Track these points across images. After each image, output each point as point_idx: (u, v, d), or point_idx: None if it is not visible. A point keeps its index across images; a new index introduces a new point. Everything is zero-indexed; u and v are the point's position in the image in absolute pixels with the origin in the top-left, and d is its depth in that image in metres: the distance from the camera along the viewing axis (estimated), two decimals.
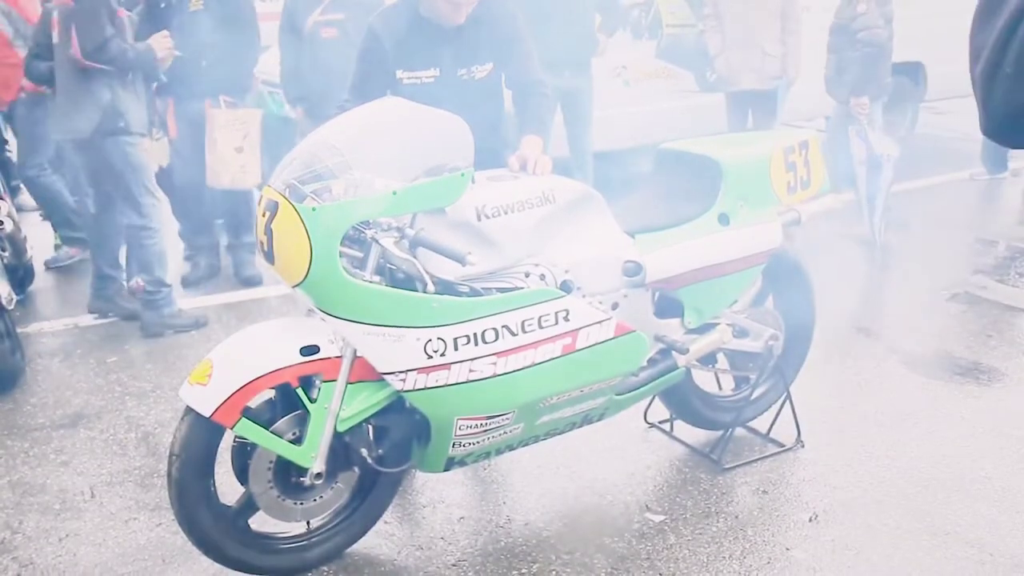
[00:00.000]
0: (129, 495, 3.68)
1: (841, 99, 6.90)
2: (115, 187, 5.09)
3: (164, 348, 5.15)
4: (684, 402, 3.86)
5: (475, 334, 2.88)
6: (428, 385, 2.85)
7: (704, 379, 4.04)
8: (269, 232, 2.78)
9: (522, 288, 3.03)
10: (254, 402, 2.87)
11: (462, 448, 3.06)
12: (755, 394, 3.98)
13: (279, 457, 2.93)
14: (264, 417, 2.91)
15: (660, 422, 4.15)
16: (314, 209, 2.68)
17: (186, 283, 6.12)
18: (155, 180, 5.86)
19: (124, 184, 5.06)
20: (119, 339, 5.22)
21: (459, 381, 2.88)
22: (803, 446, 3.94)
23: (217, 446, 2.90)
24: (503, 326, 2.93)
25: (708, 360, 3.83)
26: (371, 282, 2.76)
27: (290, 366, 2.84)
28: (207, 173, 5.81)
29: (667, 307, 3.52)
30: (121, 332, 5.33)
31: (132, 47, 4.96)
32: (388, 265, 2.83)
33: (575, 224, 3.18)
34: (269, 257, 2.82)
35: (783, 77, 6.85)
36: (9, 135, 7.12)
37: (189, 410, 2.85)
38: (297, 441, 2.92)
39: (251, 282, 6.11)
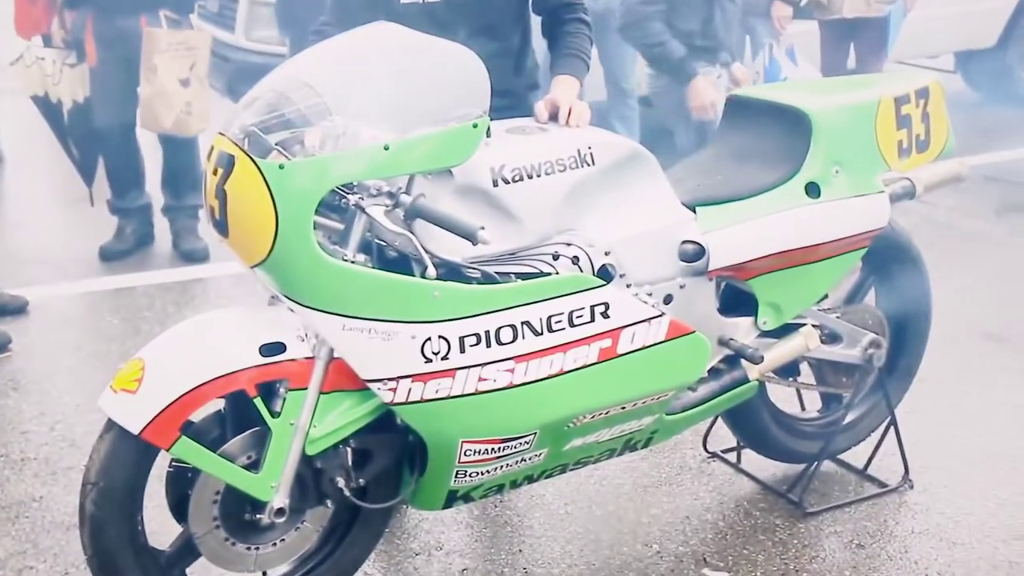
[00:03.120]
0: (24, 536, 3.69)
1: None
2: None
3: (77, 339, 5.18)
4: (756, 426, 3.88)
5: (487, 332, 2.90)
6: (425, 397, 2.88)
7: (782, 396, 4.06)
8: (221, 195, 2.79)
9: (549, 274, 3.06)
10: (198, 415, 2.88)
11: (468, 479, 3.09)
12: (849, 417, 4.00)
13: (228, 487, 2.94)
14: (210, 435, 2.93)
15: (724, 451, 4.17)
16: (281, 166, 2.69)
17: (106, 256, 6.14)
18: (67, 119, 5.88)
19: None
20: (19, 323, 5.26)
21: (466, 392, 2.91)
22: (911, 487, 3.97)
23: (147, 472, 2.90)
24: (524, 323, 2.95)
25: (788, 372, 3.85)
26: (354, 262, 2.78)
27: (246, 369, 2.85)
28: (141, 112, 5.82)
29: (736, 302, 3.54)
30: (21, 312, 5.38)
31: None
32: (377, 241, 2.85)
33: (619, 193, 3.20)
34: (221, 227, 2.84)
35: (896, 0, 6.83)
36: None
37: (111, 424, 2.85)
38: (253, 467, 2.94)
39: (195, 256, 6.13)
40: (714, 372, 3.55)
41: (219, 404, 2.96)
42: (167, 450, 2.84)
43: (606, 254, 3.17)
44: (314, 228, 2.73)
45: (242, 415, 2.94)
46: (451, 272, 2.93)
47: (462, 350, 2.88)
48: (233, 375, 2.84)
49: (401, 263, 2.90)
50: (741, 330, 3.55)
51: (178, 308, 5.50)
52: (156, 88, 5.72)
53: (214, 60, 6.34)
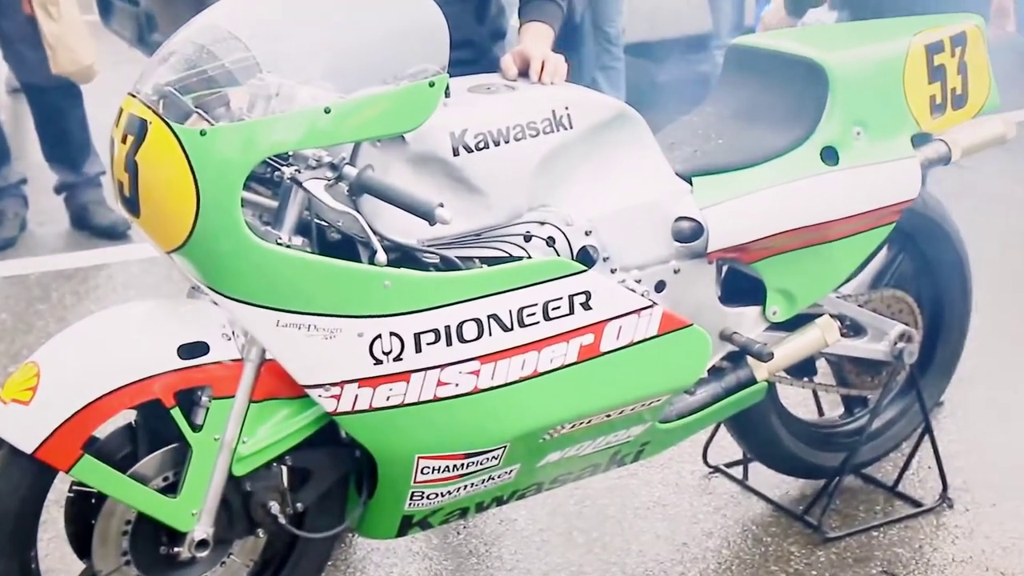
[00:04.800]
0: None
1: None
2: None
3: None
4: (765, 435, 3.91)
5: (448, 328, 2.92)
6: (375, 405, 2.89)
7: (797, 400, 4.09)
8: (132, 167, 2.78)
9: (520, 258, 3.08)
10: (103, 430, 2.89)
11: (425, 502, 3.11)
12: (876, 424, 4.02)
13: (141, 515, 2.94)
14: (119, 454, 2.93)
15: (728, 465, 4.21)
16: (203, 132, 2.69)
17: None
18: None
19: None
20: None
21: (422, 399, 2.93)
22: (951, 506, 4.00)
23: (43, 499, 2.90)
24: (490, 316, 2.97)
25: (803, 371, 3.89)
26: (290, 246, 2.80)
27: (162, 374, 2.84)
28: (53, 55, 5.77)
29: (740, 289, 3.57)
30: None
31: None
32: (316, 221, 2.87)
33: (602, 161, 3.23)
34: (131, 205, 2.84)
35: None
36: None
37: (0, 442, 2.86)
38: (170, 490, 2.94)
39: (114, 232, 6.11)
40: (715, 372, 3.58)
41: (129, 416, 2.96)
42: (67, 472, 2.83)
43: (587, 234, 3.20)
44: (242, 206, 2.74)
45: (157, 429, 2.94)
46: (405, 257, 2.95)
47: (418, 349, 2.90)
48: (146, 382, 2.84)
49: (345, 247, 2.92)
50: (747, 322, 3.58)
51: (79, 300, 5.50)
52: (66, 23, 5.71)
53: (121, 4, 6.31)
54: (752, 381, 3.60)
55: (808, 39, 4.01)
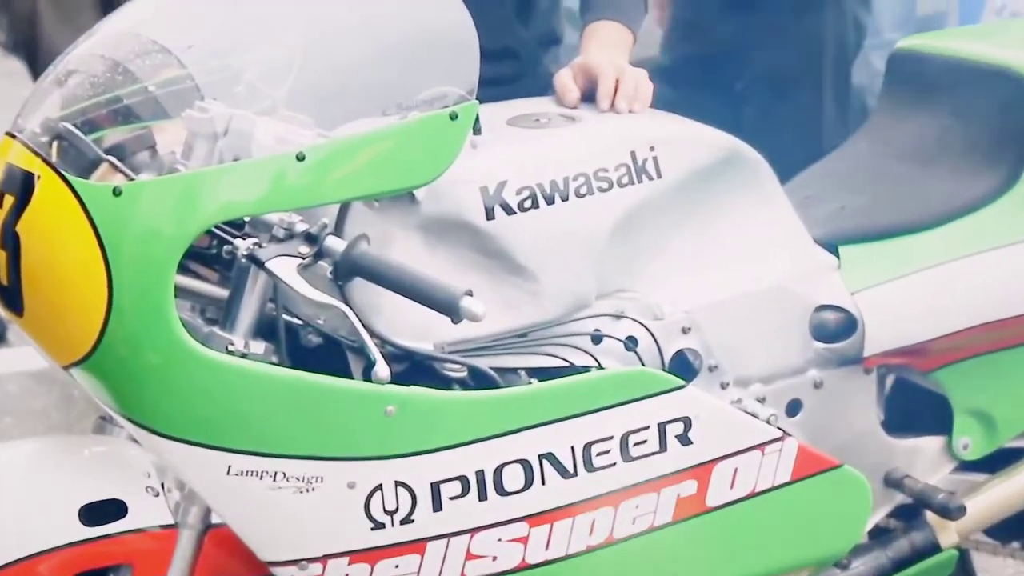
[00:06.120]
0: None
1: None
2: None
3: None
4: None
5: (480, 475, 2.92)
6: None
7: (1002, 574, 4.08)
8: (11, 242, 2.77)
9: (587, 369, 3.09)
10: None
11: None
12: None
13: None
14: None
15: None
16: (118, 191, 2.67)
17: None
18: None
19: None
20: None
21: None
22: None
23: None
24: (543, 457, 2.97)
25: (1012, 532, 3.86)
26: (247, 355, 2.79)
27: (56, 550, 2.86)
28: None
29: (914, 411, 3.58)
30: None
31: None
32: (286, 318, 2.87)
33: (704, 226, 3.26)
34: (10, 297, 2.82)
35: None
36: None
37: None
38: None
39: None
40: (879, 534, 3.58)
41: None
42: None
43: (684, 332, 3.21)
44: (176, 296, 2.72)
45: None
46: (416, 370, 2.96)
47: (437, 506, 2.89)
48: (32, 561, 2.85)
49: (328, 356, 2.93)
50: (925, 460, 3.58)
51: None
52: None
53: None
54: (935, 548, 3.58)
55: (1004, 39, 4.01)
